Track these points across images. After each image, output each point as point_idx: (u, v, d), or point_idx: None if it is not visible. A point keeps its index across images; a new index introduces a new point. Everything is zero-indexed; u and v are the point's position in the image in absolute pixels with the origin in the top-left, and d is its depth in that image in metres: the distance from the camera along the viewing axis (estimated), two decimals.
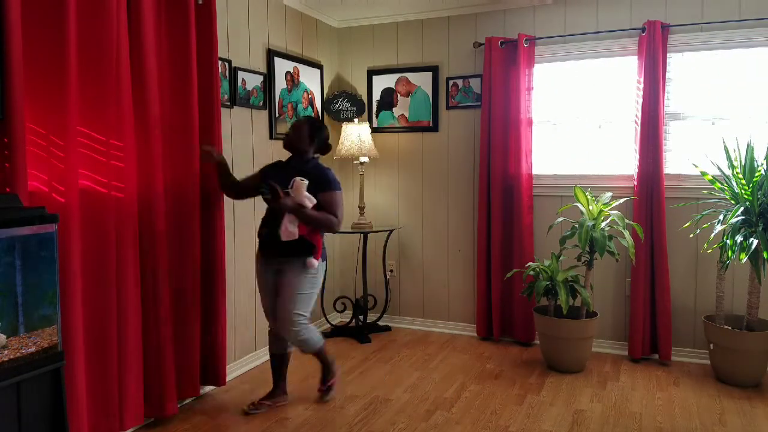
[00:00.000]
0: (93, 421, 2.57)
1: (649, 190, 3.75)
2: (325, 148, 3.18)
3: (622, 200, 3.77)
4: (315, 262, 2.93)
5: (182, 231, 3.00)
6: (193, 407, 3.13)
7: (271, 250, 2.98)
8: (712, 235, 3.51)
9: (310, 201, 2.84)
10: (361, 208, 4.40)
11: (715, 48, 3.71)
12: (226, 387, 3.38)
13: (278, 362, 3.22)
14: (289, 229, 2.84)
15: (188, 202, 3.01)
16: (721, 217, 3.44)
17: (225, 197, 3.24)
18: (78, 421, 2.41)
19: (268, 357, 3.89)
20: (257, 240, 3.08)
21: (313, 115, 4.39)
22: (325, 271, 3.24)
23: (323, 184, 2.95)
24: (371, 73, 4.65)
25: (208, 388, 3.33)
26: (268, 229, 2.96)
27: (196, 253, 3.05)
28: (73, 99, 2.39)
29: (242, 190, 3.16)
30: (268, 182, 2.83)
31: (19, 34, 2.15)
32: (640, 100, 3.74)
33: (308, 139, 3.05)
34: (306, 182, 2.84)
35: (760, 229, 3.29)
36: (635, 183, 3.80)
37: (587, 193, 3.66)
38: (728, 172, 3.46)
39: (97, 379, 2.59)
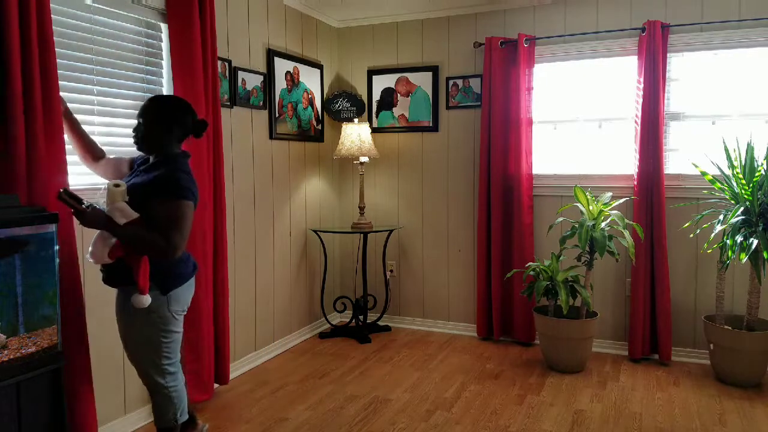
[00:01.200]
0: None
1: (649, 190, 3.75)
2: (190, 129, 2.27)
3: (622, 200, 3.77)
4: (143, 299, 2.08)
5: (193, 231, 2.99)
6: (193, 407, 3.12)
7: (103, 278, 2.22)
8: (712, 235, 3.51)
9: (123, 214, 2.03)
10: (361, 208, 4.40)
11: (715, 48, 3.71)
12: (226, 387, 3.38)
13: None
14: (97, 251, 2.06)
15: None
16: (721, 217, 3.44)
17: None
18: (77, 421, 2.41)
19: (268, 357, 3.91)
20: None
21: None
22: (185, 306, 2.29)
23: (160, 189, 2.09)
24: (371, 73, 4.65)
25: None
26: None
27: (208, 250, 3.08)
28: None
29: (103, 166, 2.39)
30: (61, 191, 1.98)
31: (17, 33, 2.15)
32: (640, 100, 3.74)
33: (152, 132, 2.19)
34: (122, 188, 2.07)
35: (760, 229, 3.29)
36: (635, 183, 3.79)
37: (587, 193, 3.66)
38: (728, 172, 3.46)
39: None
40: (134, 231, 2.03)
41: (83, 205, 1.99)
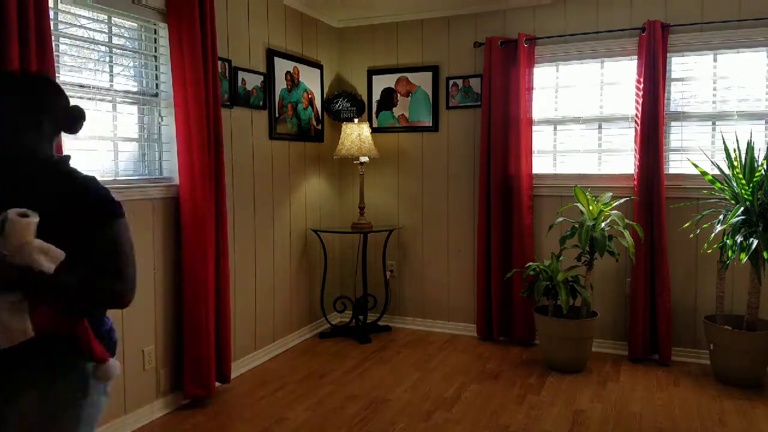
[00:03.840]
0: None
1: (650, 190, 3.75)
2: (69, 123, 1.48)
3: (622, 200, 3.77)
4: (112, 367, 1.44)
5: (200, 232, 3.02)
6: (193, 407, 3.12)
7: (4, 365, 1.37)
8: (712, 235, 3.52)
9: (49, 257, 1.30)
10: (361, 208, 4.40)
11: (715, 48, 3.71)
12: (226, 386, 3.38)
13: None
14: (13, 325, 1.30)
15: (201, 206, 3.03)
16: (721, 217, 3.44)
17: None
18: None
19: (268, 357, 3.91)
20: None
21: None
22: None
23: (88, 210, 1.38)
24: (371, 73, 4.65)
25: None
26: None
27: (209, 249, 3.10)
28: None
29: None
30: None
31: (15, 32, 2.16)
32: (640, 100, 3.74)
33: (28, 119, 1.41)
34: (34, 220, 1.29)
35: (760, 229, 3.29)
36: (635, 183, 3.79)
37: (587, 193, 3.66)
38: (728, 172, 3.46)
39: None
40: (75, 279, 1.33)
41: None
